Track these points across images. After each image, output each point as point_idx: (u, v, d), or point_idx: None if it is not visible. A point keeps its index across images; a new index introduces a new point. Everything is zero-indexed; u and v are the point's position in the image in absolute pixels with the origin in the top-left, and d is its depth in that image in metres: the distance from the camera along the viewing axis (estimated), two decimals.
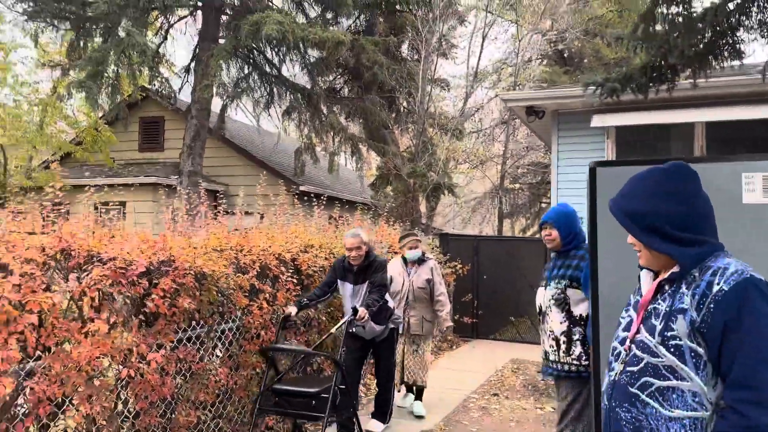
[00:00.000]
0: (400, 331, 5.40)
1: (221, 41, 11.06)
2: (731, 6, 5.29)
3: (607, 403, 1.80)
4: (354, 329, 4.54)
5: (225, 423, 4.27)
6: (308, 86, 11.32)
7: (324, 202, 7.67)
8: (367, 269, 4.67)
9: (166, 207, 5.74)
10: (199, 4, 10.96)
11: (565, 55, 19.50)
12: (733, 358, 1.52)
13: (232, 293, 4.24)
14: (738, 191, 2.51)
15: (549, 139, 10.41)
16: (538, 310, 3.76)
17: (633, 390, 1.68)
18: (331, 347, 5.55)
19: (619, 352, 1.79)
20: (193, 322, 3.95)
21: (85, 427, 3.12)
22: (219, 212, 5.70)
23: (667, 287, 1.70)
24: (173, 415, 3.76)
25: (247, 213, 7.60)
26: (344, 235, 4.82)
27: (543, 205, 21.33)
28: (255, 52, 10.94)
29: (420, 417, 5.39)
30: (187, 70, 12.47)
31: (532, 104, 8.81)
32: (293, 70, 11.89)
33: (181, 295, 3.74)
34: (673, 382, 1.61)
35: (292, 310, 4.45)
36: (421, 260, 5.65)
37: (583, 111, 8.54)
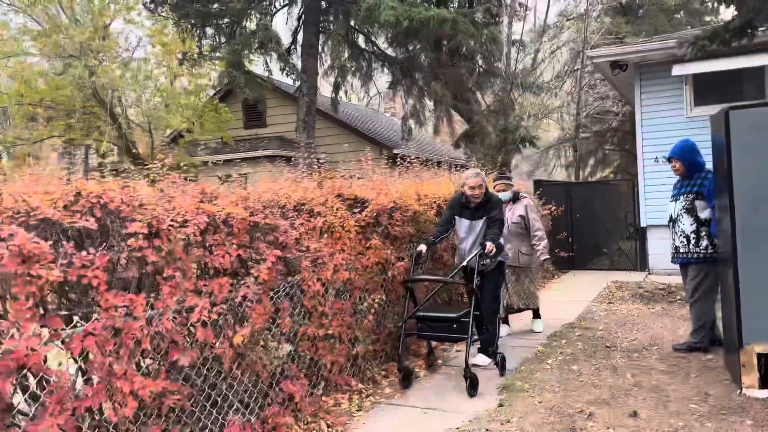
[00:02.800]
0: None
1: (322, 25, 12.47)
2: None
3: None
4: (485, 263, 4.77)
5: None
6: (406, 62, 12.71)
7: (422, 162, 8.99)
8: (484, 206, 4.96)
9: (290, 174, 6.87)
10: None
11: (624, 2, 20.10)
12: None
13: (428, 223, 5.79)
14: None
15: (628, 90, 11.51)
16: (668, 218, 5.17)
17: None
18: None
19: None
20: (412, 243, 5.51)
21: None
22: (335, 177, 6.68)
23: None
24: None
25: (356, 177, 9.03)
26: (466, 175, 5.07)
27: (606, 152, 22.26)
28: (360, 34, 12.36)
29: (538, 332, 6.06)
30: (287, 52, 14.00)
31: (617, 59, 9.96)
32: (387, 45, 13.15)
33: (407, 224, 5.33)
34: None
35: (423, 247, 4.85)
36: (515, 199, 6.06)
37: (663, 62, 9.64)
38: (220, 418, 3.34)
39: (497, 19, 13.75)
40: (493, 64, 13.41)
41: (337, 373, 4.38)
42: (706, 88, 9.78)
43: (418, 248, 4.87)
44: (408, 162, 9.06)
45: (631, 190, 11.79)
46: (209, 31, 11.83)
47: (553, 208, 10.79)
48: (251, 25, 12.53)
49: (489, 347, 4.99)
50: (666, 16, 19.04)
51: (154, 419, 2.90)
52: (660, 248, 9.52)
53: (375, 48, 12.81)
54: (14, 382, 2.37)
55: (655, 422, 3.59)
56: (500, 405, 4.02)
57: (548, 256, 6.07)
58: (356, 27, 11.39)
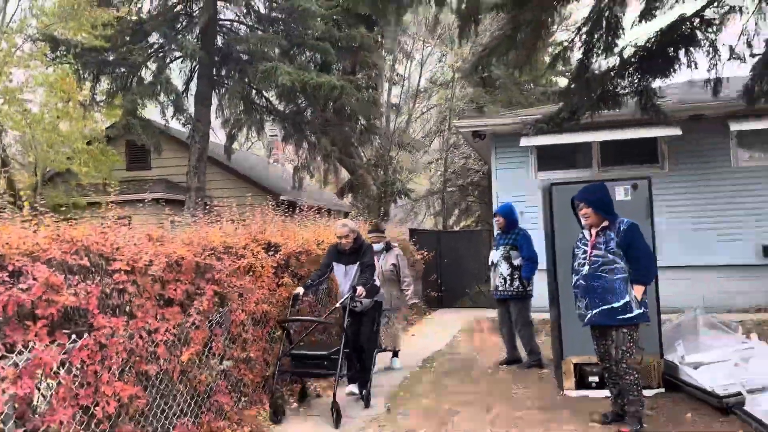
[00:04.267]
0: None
1: (216, 79, 13.32)
2: (612, 74, 8.38)
3: (584, 282, 4.40)
4: (355, 305, 5.30)
5: None
6: (296, 116, 13.85)
7: (306, 210, 10.07)
8: (357, 252, 5.49)
9: (176, 219, 7.48)
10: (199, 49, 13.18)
11: (483, 77, 22.88)
12: (631, 253, 4.32)
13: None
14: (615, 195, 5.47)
15: (486, 153, 13.48)
16: (490, 263, 6.62)
17: (597, 272, 4.34)
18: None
19: (584, 263, 4.44)
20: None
21: None
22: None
23: (600, 233, 4.45)
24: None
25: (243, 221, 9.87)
26: (335, 225, 5.70)
27: (469, 203, 24.73)
28: (254, 89, 13.35)
29: (398, 369, 6.60)
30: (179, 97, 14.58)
31: (477, 129, 11.81)
32: (278, 100, 14.25)
33: (310, 264, 6.35)
34: (614, 266, 4.32)
35: (300, 290, 5.37)
36: (387, 248, 6.79)
37: (514, 133, 11.60)
38: (167, 422, 4.08)
39: (377, 84, 15.40)
40: (373, 124, 14.97)
41: (254, 391, 5.22)
42: (547, 157, 11.84)
43: (295, 291, 5.35)
44: (300, 209, 10.03)
45: (489, 238, 13.65)
46: (106, 78, 12.19)
47: (425, 253, 12.28)
48: (148, 74, 13.04)
49: (361, 379, 5.44)
50: (518, 88, 21.95)
51: (125, 419, 3.63)
52: (538, 289, 11.29)
53: (268, 103, 13.87)
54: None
55: (503, 414, 4.86)
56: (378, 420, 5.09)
57: (416, 300, 6.97)
58: (251, 84, 12.38)
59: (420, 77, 18.99)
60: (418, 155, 21.45)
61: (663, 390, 5.18)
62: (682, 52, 7.85)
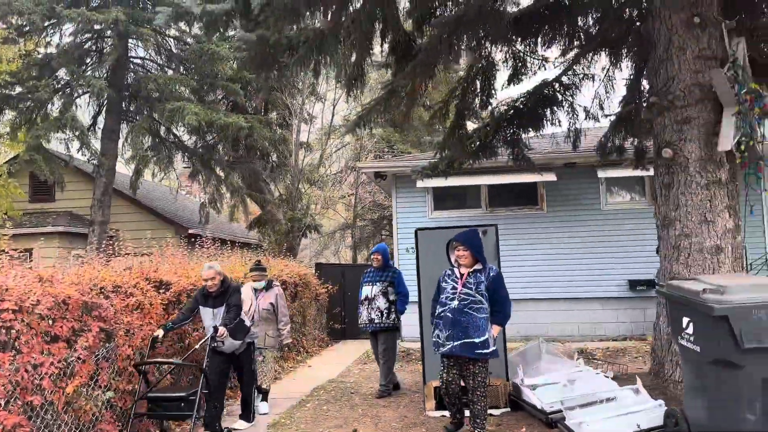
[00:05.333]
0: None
1: (124, 114, 13.52)
2: (489, 127, 9.41)
3: (451, 315, 5.01)
4: (216, 345, 5.41)
5: None
6: (205, 153, 14.21)
7: (217, 244, 10.54)
8: (223, 294, 5.56)
9: (80, 253, 7.74)
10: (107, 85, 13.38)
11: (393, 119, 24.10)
12: (496, 297, 5.08)
13: None
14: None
15: (390, 192, 14.35)
16: (364, 298, 7.19)
17: (465, 309, 5.02)
18: (195, 360, 6.01)
19: (453, 297, 5.07)
20: None
21: None
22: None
23: (472, 274, 5.17)
24: None
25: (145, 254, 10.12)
26: (202, 268, 5.67)
27: (383, 237, 25.60)
28: (162, 125, 13.62)
29: (264, 414, 6.36)
30: (86, 132, 14.59)
31: (379, 171, 12.65)
32: (187, 136, 14.60)
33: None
34: (480, 305, 5.06)
35: (160, 332, 5.35)
36: (268, 287, 6.74)
37: (412, 175, 12.50)
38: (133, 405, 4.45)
39: (289, 123, 16.04)
40: (284, 161, 15.54)
41: (140, 421, 5.57)
42: (442, 198, 12.82)
43: (155, 333, 5.34)
44: (205, 244, 10.36)
45: None
46: (8, 113, 12.15)
47: (330, 287, 12.85)
48: (55, 109, 13.06)
49: (244, 414, 5.83)
50: (427, 129, 23.22)
51: None
52: (409, 321, 12.04)
53: (176, 139, 14.18)
54: None
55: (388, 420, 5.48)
56: None
57: (290, 340, 7.03)
58: (159, 120, 12.70)
59: (333, 116, 19.81)
60: (332, 191, 22.13)
61: (509, 409, 5.97)
62: (548, 111, 9.03)
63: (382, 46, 7.79)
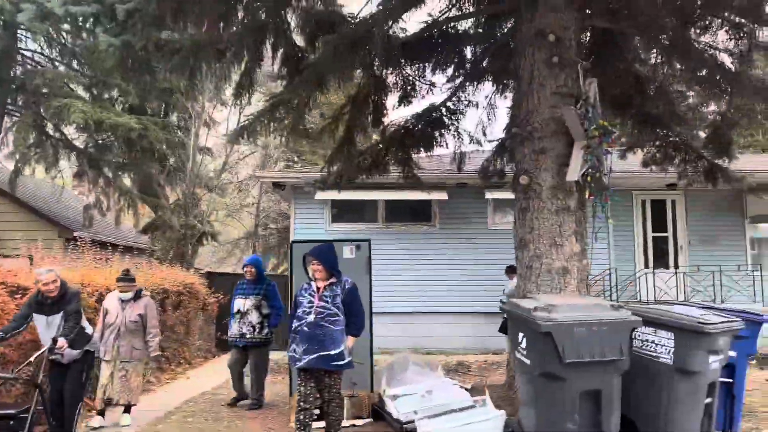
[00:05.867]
0: (107, 358, 6.17)
1: (8, 108, 12.77)
2: (381, 145, 9.66)
3: (308, 329, 4.99)
4: (55, 357, 5.10)
5: None
6: (93, 151, 13.61)
7: (109, 248, 10.19)
8: (60, 300, 5.23)
9: None
10: None
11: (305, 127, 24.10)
12: (351, 309, 5.17)
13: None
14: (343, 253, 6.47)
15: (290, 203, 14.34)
16: (237, 311, 7.13)
17: (321, 322, 5.05)
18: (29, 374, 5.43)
19: (309, 311, 5.11)
20: None
21: None
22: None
23: (328, 287, 5.22)
24: None
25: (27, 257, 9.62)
26: (39, 272, 5.31)
27: (289, 247, 25.42)
28: (51, 125, 12.94)
29: (125, 426, 6.16)
30: None
31: (277, 181, 12.64)
32: (74, 133, 13.96)
33: None
34: (336, 318, 5.10)
35: None
36: (136, 297, 6.41)
37: (305, 187, 12.56)
38: None
39: (188, 126, 15.70)
40: (182, 165, 15.17)
41: None
42: (340, 211, 12.98)
43: None
44: (89, 246, 9.94)
45: (287, 282, 14.34)
46: None
47: (221, 296, 12.64)
48: None
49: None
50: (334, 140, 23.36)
51: None
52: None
53: (63, 137, 13.51)
54: None
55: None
56: None
57: (159, 352, 6.69)
58: (45, 117, 12.08)
59: (239, 123, 19.53)
60: (237, 198, 21.78)
61: (371, 420, 6.15)
62: (436, 133, 9.42)
63: (273, 58, 7.87)
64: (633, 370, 4.47)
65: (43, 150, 13.04)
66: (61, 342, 4.96)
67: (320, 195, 12.12)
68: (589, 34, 7.94)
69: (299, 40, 8.12)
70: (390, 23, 7.46)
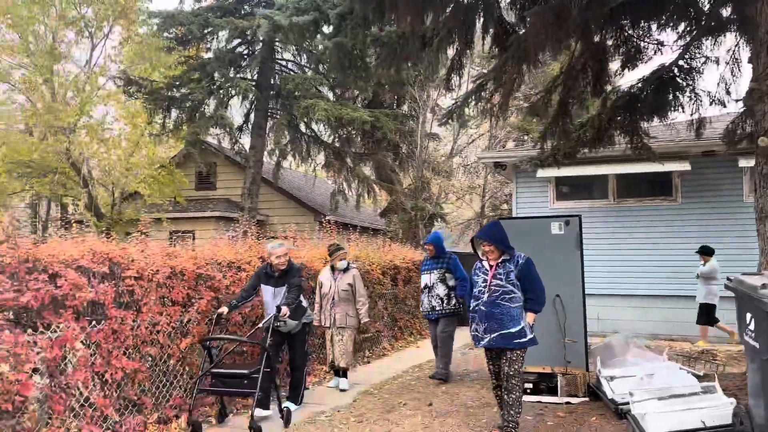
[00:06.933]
0: (327, 325, 6.84)
1: (270, 111, 15.02)
2: (603, 115, 9.11)
3: (485, 308, 4.90)
4: (278, 324, 5.49)
5: None
6: (338, 144, 15.36)
7: (350, 229, 11.36)
8: (286, 274, 5.64)
9: (230, 234, 8.66)
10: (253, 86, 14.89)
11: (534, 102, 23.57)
12: (528, 285, 5.17)
13: None
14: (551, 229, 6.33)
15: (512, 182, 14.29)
16: (424, 286, 7.33)
17: (498, 300, 5.13)
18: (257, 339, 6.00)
19: (484, 290, 4.98)
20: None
21: None
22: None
23: (500, 264, 5.26)
24: None
25: (292, 238, 11.15)
26: (271, 245, 5.76)
27: None
28: (300, 122, 14.99)
29: (343, 390, 6.70)
30: (239, 129, 16.41)
31: (498, 161, 12.70)
32: (323, 130, 15.84)
33: (310, 280, 7.54)
34: (512, 295, 5.19)
35: (224, 309, 5.48)
36: (346, 269, 6.95)
37: (520, 165, 12.33)
38: (167, 392, 5.38)
39: (418, 114, 16.62)
40: (412, 152, 16.16)
41: (203, 396, 6.44)
42: (566, 187, 12.56)
43: (219, 310, 5.49)
44: (333, 228, 11.26)
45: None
46: (173, 112, 14.19)
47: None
48: (209, 108, 14.87)
49: (294, 399, 5.81)
50: (547, 115, 22.41)
51: (130, 386, 4.95)
52: None
53: (313, 132, 15.46)
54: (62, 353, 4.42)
55: (442, 407, 5.84)
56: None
57: (368, 319, 7.16)
58: (296, 116, 13.97)
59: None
60: (464, 181, 22.32)
61: (587, 399, 5.97)
62: (669, 96, 8.56)
63: (483, 39, 7.96)
64: None
65: (297, 145, 15.09)
66: (284, 310, 5.35)
67: (542, 173, 11.83)
68: None
69: (510, 16, 8.09)
70: None
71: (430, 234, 7.86)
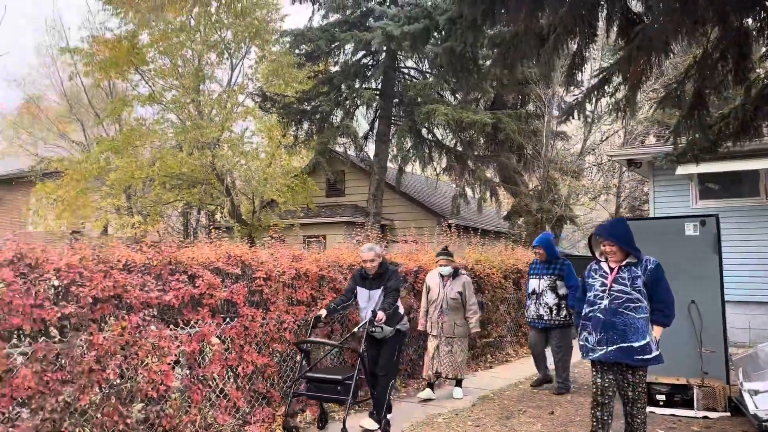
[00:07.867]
0: (434, 333, 6.52)
1: (393, 118, 15.38)
2: (747, 105, 8.27)
3: (602, 316, 4.32)
4: (374, 330, 5.13)
5: None
6: (459, 148, 15.39)
7: (471, 232, 11.29)
8: (381, 277, 5.38)
9: (357, 237, 8.89)
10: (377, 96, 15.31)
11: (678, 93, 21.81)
12: (658, 294, 4.70)
13: None
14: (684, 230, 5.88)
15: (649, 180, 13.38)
16: (532, 292, 6.94)
17: (620, 309, 4.59)
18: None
19: (602, 296, 4.39)
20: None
21: None
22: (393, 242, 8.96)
23: (624, 268, 4.73)
24: None
25: (414, 241, 11.26)
26: (362, 249, 5.52)
27: None
28: (422, 127, 15.23)
29: (457, 399, 6.44)
30: (365, 137, 16.98)
31: (632, 158, 11.98)
32: (445, 135, 15.93)
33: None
34: (638, 304, 4.64)
35: (323, 312, 5.32)
36: (454, 275, 6.59)
37: (655, 162, 11.46)
38: (293, 384, 5.72)
39: (542, 113, 16.14)
40: (537, 152, 15.72)
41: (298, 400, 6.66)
42: (710, 184, 11.54)
43: (318, 312, 5.37)
44: (453, 232, 11.25)
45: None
46: (305, 124, 15.05)
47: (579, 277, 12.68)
48: (336, 119, 15.55)
49: (377, 412, 5.20)
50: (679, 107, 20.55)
51: (260, 379, 5.33)
52: None
53: (434, 137, 15.61)
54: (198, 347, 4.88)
55: (564, 416, 5.65)
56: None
57: (479, 329, 6.75)
58: (418, 122, 14.20)
59: (596, 102, 19.02)
60: (599, 181, 21.24)
61: (728, 414, 5.46)
62: None
63: (608, 32, 7.59)
64: None
65: (419, 150, 15.31)
66: (380, 315, 5.03)
67: (681, 170, 10.99)
68: None
69: (636, 6, 7.63)
70: None
71: (540, 235, 7.31)
